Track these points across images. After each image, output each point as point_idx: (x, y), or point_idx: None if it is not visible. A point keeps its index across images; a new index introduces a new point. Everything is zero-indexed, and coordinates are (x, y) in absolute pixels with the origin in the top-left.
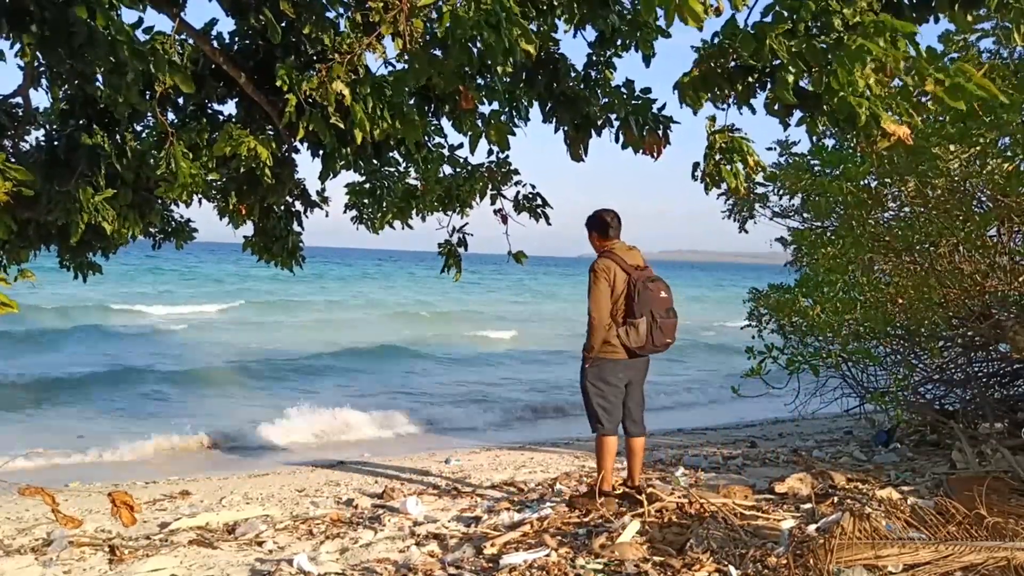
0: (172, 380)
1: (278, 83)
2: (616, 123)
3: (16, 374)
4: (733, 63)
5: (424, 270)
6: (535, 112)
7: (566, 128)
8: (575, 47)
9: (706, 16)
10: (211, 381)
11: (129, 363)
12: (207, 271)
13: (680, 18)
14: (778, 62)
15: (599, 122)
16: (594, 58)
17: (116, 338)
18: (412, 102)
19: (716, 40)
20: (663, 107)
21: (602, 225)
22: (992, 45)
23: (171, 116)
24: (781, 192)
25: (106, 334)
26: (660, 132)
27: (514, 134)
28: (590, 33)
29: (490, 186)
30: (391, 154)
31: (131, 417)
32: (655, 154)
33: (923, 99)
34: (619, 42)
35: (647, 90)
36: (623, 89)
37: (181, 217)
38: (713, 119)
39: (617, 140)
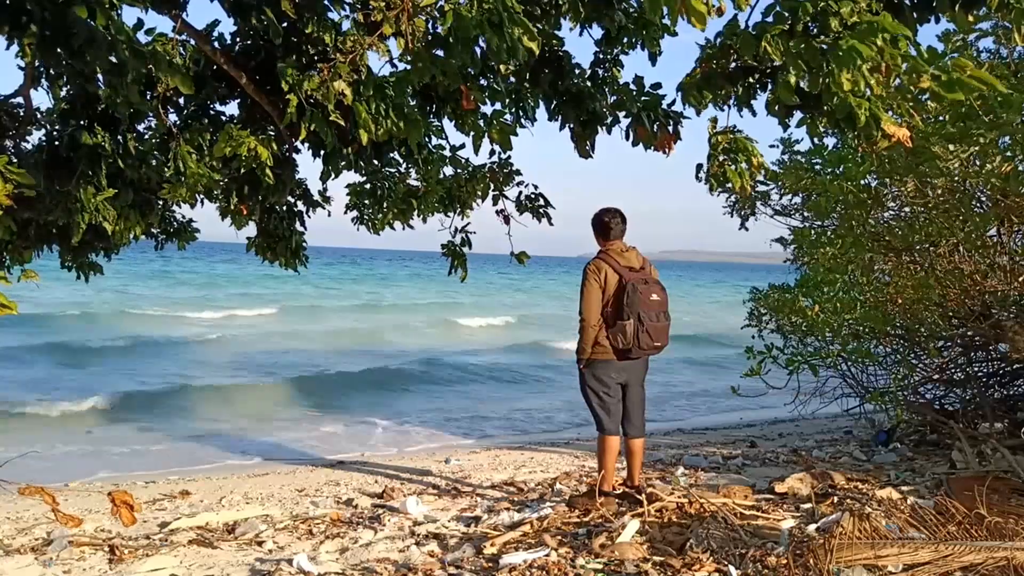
0: (238, 398)
1: (282, 84)
2: (627, 120)
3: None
4: (734, 63)
5: (433, 270)
6: (541, 111)
7: (572, 125)
8: (582, 45)
9: (709, 16)
10: (275, 397)
11: (197, 377)
12: (219, 272)
13: (684, 17)
14: (778, 63)
15: (607, 119)
16: (601, 56)
17: (176, 348)
18: (413, 102)
19: (719, 40)
20: (672, 103)
21: (601, 226)
22: (992, 45)
23: (173, 117)
24: (782, 191)
25: (162, 345)
26: (671, 128)
27: (517, 134)
28: (596, 32)
29: (492, 187)
30: (391, 154)
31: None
32: (667, 150)
33: (921, 97)
34: (625, 40)
35: (657, 86)
36: (632, 86)
37: (183, 218)
38: (715, 120)
39: (628, 137)
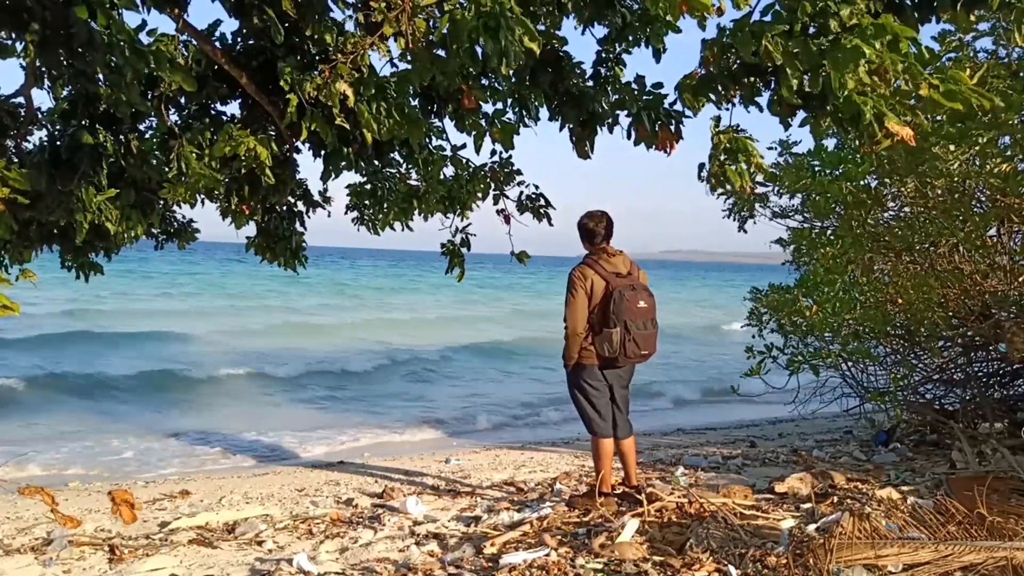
0: None
1: (281, 83)
2: (628, 119)
3: None
4: (737, 62)
5: (435, 273)
6: (543, 110)
7: (571, 126)
8: (584, 45)
9: (709, 15)
10: None
11: None
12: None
13: (685, 14)
14: (779, 62)
15: (607, 119)
16: (603, 55)
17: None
18: (415, 102)
19: (724, 36)
20: (674, 102)
21: (586, 231)
22: (990, 45)
23: (174, 117)
24: (781, 192)
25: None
26: (672, 127)
27: (519, 133)
28: (599, 31)
29: (492, 186)
30: (392, 154)
31: None
32: (668, 150)
33: (917, 103)
34: (629, 38)
35: (658, 85)
36: (634, 85)
37: (183, 218)
38: (717, 119)
39: (629, 136)
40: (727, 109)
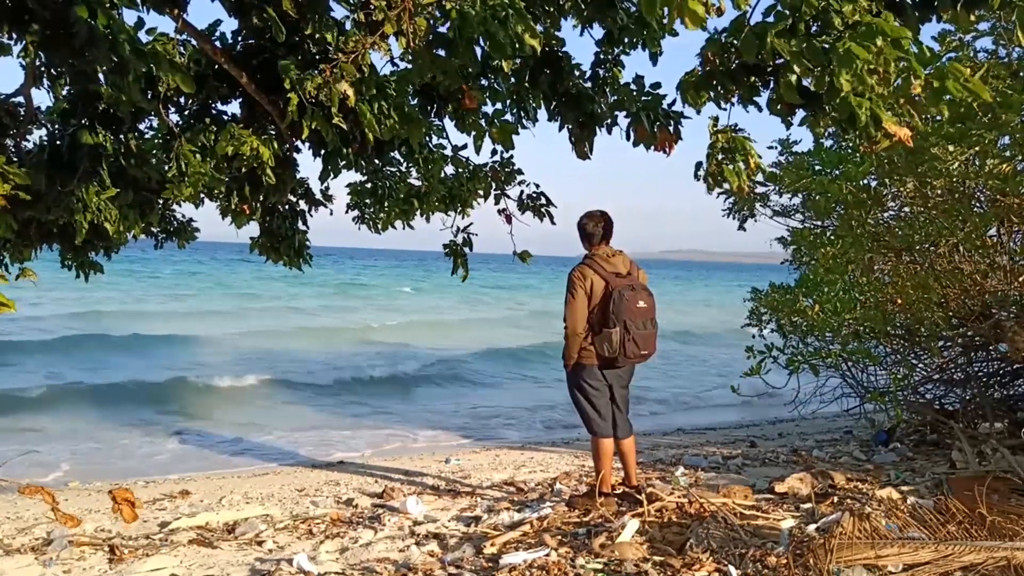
0: None
1: (284, 82)
2: (627, 120)
3: None
4: (737, 61)
5: (437, 272)
6: (542, 112)
7: (570, 126)
8: (583, 46)
9: (707, 17)
10: None
11: None
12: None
13: (680, 20)
14: (781, 61)
15: (606, 120)
16: (602, 56)
17: None
18: (415, 102)
19: (724, 37)
20: (672, 103)
21: (585, 232)
22: (990, 45)
23: (175, 116)
24: (781, 191)
25: None
26: (671, 128)
27: (518, 133)
28: (597, 32)
29: (494, 186)
30: (392, 154)
31: None
32: (668, 150)
33: (912, 104)
34: (627, 40)
35: (656, 85)
36: (632, 86)
37: (183, 217)
38: (716, 119)
39: (628, 137)
40: (726, 108)
